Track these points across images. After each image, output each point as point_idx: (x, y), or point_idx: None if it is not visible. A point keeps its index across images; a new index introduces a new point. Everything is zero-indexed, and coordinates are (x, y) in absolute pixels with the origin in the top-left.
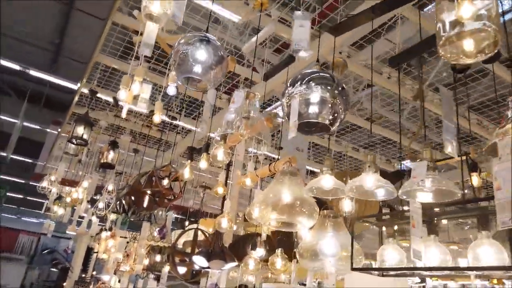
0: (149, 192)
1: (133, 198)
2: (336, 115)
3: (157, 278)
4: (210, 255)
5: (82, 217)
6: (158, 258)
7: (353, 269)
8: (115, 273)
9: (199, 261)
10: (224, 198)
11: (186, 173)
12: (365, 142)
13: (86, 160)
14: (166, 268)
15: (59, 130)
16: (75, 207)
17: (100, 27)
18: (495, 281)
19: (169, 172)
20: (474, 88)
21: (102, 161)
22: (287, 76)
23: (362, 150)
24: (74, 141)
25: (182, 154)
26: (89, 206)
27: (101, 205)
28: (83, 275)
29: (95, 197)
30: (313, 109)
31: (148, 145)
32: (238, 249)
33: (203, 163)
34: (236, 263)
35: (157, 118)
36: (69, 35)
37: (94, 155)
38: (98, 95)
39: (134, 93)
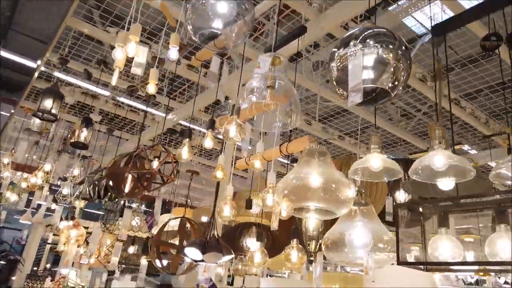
0: (134, 174)
1: (111, 182)
2: (397, 81)
3: (133, 272)
4: (205, 247)
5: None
6: (131, 250)
7: (400, 262)
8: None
9: (192, 254)
10: (218, 184)
11: (184, 153)
12: (352, 130)
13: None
14: (145, 262)
15: (12, 111)
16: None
17: None
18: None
19: (159, 152)
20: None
21: (72, 140)
22: (298, 47)
23: (348, 138)
24: (40, 115)
25: (160, 137)
26: (48, 192)
27: (65, 191)
28: (35, 268)
29: (56, 185)
30: (371, 73)
31: (121, 127)
32: (231, 240)
33: (208, 142)
34: (232, 255)
35: (152, 88)
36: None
37: (56, 138)
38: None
39: (130, 55)
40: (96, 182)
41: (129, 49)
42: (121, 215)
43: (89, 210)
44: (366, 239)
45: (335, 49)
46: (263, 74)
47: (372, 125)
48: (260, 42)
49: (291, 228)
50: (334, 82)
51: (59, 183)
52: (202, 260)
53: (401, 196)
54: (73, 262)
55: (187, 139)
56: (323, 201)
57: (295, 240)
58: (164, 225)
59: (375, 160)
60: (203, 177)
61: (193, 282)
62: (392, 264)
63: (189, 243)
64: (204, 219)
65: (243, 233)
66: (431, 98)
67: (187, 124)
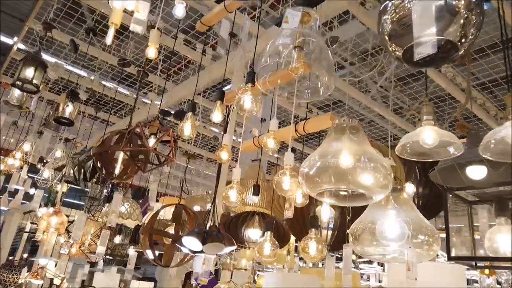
0: (127, 153)
1: (99, 162)
2: (465, 37)
3: (118, 263)
4: (205, 237)
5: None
6: (117, 239)
7: (451, 258)
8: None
9: (191, 244)
10: (220, 167)
11: (187, 129)
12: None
13: (25, 123)
14: (133, 252)
15: None
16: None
17: None
18: (486, 271)
19: (157, 129)
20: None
21: (56, 115)
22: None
23: (316, 111)
24: (20, 85)
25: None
26: (26, 176)
27: (46, 174)
28: (10, 258)
29: (35, 167)
30: (437, 24)
31: (107, 109)
32: (231, 231)
33: (216, 115)
34: (235, 247)
35: (152, 52)
36: None
37: (36, 119)
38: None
39: (129, 8)
40: (82, 163)
41: (129, 2)
42: (108, 201)
43: (69, 200)
44: (401, 229)
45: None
46: (290, 32)
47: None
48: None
49: (309, 217)
50: (387, 37)
51: (39, 166)
52: (202, 251)
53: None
54: (51, 252)
55: (190, 113)
56: (356, 184)
57: (313, 230)
58: (157, 212)
59: (429, 134)
60: (193, 167)
61: (180, 276)
62: (436, 259)
63: (187, 233)
64: (197, 208)
65: (243, 223)
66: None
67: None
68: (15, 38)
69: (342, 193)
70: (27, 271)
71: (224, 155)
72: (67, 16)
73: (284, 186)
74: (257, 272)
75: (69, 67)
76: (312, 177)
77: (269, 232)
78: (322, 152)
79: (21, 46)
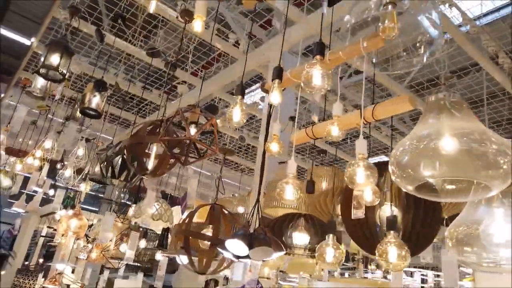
0: (165, 144)
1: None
2: None
3: (144, 271)
4: (252, 240)
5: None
6: (142, 243)
7: None
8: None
9: (235, 248)
10: (263, 159)
11: (236, 115)
12: None
13: (45, 124)
14: (163, 258)
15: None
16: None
17: None
18: None
19: (197, 117)
20: None
21: (82, 106)
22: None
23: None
24: (44, 72)
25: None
26: (45, 177)
27: (68, 173)
28: (26, 263)
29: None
30: None
31: (129, 108)
32: (275, 234)
33: (275, 96)
34: (283, 252)
35: (199, 25)
36: None
37: (54, 117)
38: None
39: None
40: (110, 158)
41: None
42: (134, 201)
43: (83, 206)
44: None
45: None
46: None
47: None
48: None
49: (386, 218)
50: None
51: (58, 166)
52: (247, 257)
53: None
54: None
55: (239, 97)
56: (469, 172)
57: (392, 233)
58: (194, 212)
59: None
60: (210, 169)
61: (190, 283)
62: None
63: (232, 235)
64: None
65: (287, 226)
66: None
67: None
68: (33, 39)
69: (449, 186)
70: (43, 277)
71: (275, 146)
72: (91, 9)
73: (358, 179)
74: (279, 282)
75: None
76: (409, 165)
77: (331, 236)
78: (418, 135)
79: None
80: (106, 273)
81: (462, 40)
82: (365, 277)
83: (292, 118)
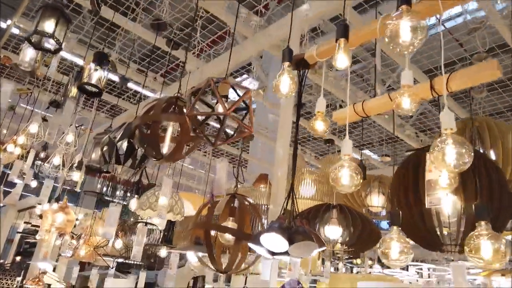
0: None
1: (141, 140)
2: None
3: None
4: (293, 234)
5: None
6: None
7: None
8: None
9: (273, 243)
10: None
11: (285, 84)
12: None
13: (25, 109)
14: (174, 256)
15: None
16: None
17: None
18: None
19: (228, 89)
20: None
21: (81, 81)
22: None
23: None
24: (36, 41)
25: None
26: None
27: (56, 160)
28: (1, 261)
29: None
30: None
31: (119, 93)
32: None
33: (342, 59)
34: (325, 247)
35: None
36: None
37: (38, 103)
38: None
39: None
40: (116, 142)
41: None
42: (137, 192)
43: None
44: None
45: None
46: None
47: None
48: None
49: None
50: None
51: (42, 155)
52: (285, 253)
53: None
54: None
55: (286, 63)
56: None
57: (482, 223)
58: (215, 203)
59: None
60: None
61: (179, 281)
62: None
63: (268, 228)
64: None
65: (315, 218)
66: None
67: None
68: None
69: None
70: (22, 276)
71: (320, 125)
72: None
73: (448, 158)
74: None
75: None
76: None
77: (395, 228)
78: None
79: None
80: (94, 271)
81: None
82: (369, 273)
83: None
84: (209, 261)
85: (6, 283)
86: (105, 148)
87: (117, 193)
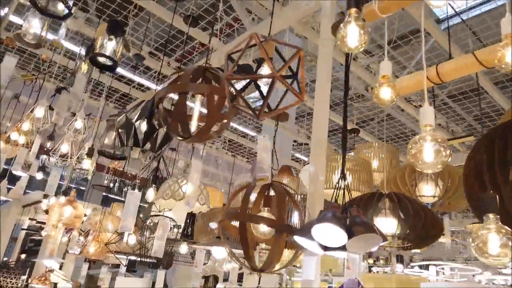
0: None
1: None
2: None
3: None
4: (352, 226)
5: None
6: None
7: None
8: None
9: (328, 236)
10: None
11: (353, 35)
12: None
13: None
14: (199, 253)
15: None
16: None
17: None
18: None
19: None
20: None
21: (94, 52)
22: None
23: None
24: (44, 4)
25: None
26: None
27: (65, 148)
28: (5, 259)
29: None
30: None
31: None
32: None
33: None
34: (387, 241)
35: None
36: None
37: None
38: None
39: None
40: (135, 123)
41: None
42: (154, 180)
43: None
44: None
45: None
46: None
47: None
48: None
49: None
50: None
51: (48, 145)
52: (341, 248)
53: None
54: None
55: (353, 9)
56: None
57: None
58: (250, 189)
59: None
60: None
61: (184, 283)
62: None
63: (321, 218)
64: None
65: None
66: None
67: None
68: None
69: None
70: (27, 275)
71: (386, 91)
72: None
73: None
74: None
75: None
76: None
77: (491, 216)
78: None
79: None
80: (104, 269)
81: None
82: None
83: None
84: (245, 259)
85: (11, 281)
86: (121, 130)
87: (125, 189)
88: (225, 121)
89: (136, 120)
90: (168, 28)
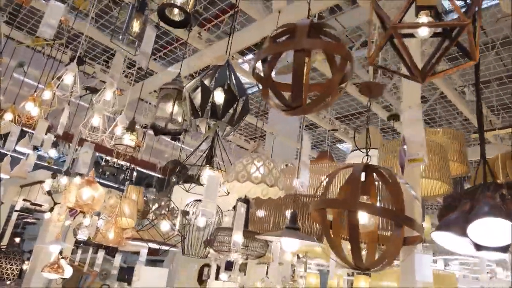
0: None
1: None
2: None
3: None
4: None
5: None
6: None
7: None
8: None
9: (487, 234)
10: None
11: None
12: None
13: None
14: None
15: None
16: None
17: None
18: None
19: None
20: None
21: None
22: None
23: None
24: None
25: None
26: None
27: (96, 121)
28: None
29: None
30: None
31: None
32: None
33: None
34: None
35: None
36: None
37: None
38: None
39: None
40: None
41: None
42: (209, 161)
43: None
44: None
45: None
46: None
47: None
48: None
49: None
50: None
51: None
52: (502, 249)
53: None
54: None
55: None
56: None
57: None
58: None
59: None
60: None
61: (185, 270)
62: None
63: (479, 211)
64: None
65: None
66: None
67: None
68: None
69: None
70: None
71: None
72: None
73: None
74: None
75: None
76: None
77: None
78: None
79: None
80: (118, 257)
81: None
82: None
83: None
84: (352, 255)
85: (11, 267)
86: (195, 97)
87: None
88: (344, 85)
89: (215, 87)
90: None
